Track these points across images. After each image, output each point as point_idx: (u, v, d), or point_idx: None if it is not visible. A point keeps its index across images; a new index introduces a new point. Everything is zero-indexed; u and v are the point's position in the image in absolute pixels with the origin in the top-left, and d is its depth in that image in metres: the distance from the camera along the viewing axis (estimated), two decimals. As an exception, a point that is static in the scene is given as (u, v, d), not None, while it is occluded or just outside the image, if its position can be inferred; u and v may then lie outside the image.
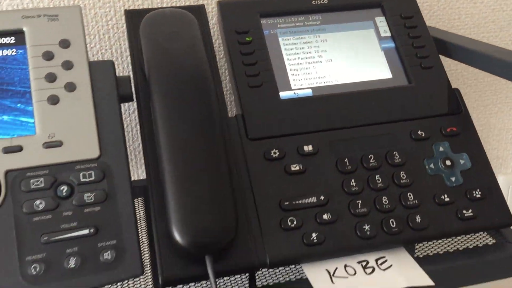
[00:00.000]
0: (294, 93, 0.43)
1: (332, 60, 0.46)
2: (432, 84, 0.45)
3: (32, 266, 0.33)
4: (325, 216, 0.38)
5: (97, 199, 0.36)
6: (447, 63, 0.64)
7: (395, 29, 0.47)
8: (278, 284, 0.37)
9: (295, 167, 0.40)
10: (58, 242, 0.34)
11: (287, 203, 0.38)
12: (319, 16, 0.47)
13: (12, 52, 0.38)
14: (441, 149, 0.42)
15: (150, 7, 0.53)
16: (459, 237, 0.42)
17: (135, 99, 0.41)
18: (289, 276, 0.38)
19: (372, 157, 0.41)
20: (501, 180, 0.73)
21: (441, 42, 0.49)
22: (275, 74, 0.43)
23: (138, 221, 0.42)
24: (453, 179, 0.41)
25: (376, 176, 0.40)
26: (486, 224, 0.40)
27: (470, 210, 0.40)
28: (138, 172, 0.60)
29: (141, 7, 0.53)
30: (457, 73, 0.65)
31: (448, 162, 0.42)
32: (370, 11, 0.48)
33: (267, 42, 0.45)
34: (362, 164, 0.41)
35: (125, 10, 0.44)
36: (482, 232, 0.42)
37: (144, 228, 0.44)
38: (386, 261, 0.38)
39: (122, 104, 0.43)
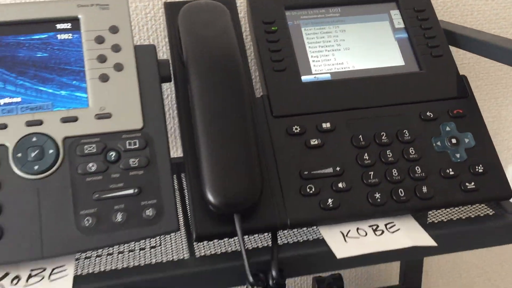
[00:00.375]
0: (315, 77, 0.48)
1: (349, 48, 0.50)
2: (441, 71, 0.49)
3: (85, 219, 0.39)
4: (340, 185, 0.43)
5: (140, 164, 0.41)
6: (460, 57, 0.69)
7: (408, 21, 0.52)
8: (297, 242, 0.42)
9: (314, 142, 0.44)
10: (107, 200, 0.40)
11: (307, 172, 0.43)
12: (338, 9, 0.52)
13: (68, 36, 0.44)
14: (447, 128, 0.47)
15: None
16: (462, 208, 0.46)
17: (173, 80, 0.46)
18: (307, 236, 0.42)
19: (384, 134, 0.45)
20: (511, 170, 0.76)
21: (450, 33, 0.53)
22: (298, 60, 0.48)
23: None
24: (457, 155, 0.45)
25: (387, 151, 0.45)
26: (487, 196, 0.44)
27: (472, 183, 0.44)
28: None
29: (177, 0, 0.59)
30: (469, 66, 0.69)
31: (453, 140, 0.46)
32: (385, 4, 0.53)
33: (290, 32, 0.50)
34: (374, 140, 0.45)
35: (165, 3, 0.50)
36: (483, 204, 0.46)
37: (178, 198, 0.49)
38: (394, 225, 0.42)
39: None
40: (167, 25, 0.48)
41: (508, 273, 0.85)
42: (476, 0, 0.66)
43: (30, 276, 0.38)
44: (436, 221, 0.44)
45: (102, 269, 0.39)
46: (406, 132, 0.46)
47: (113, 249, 0.42)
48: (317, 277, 0.66)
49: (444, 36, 0.51)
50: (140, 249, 0.42)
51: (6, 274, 0.38)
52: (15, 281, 0.37)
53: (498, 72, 0.70)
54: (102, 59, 0.43)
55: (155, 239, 0.43)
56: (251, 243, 0.42)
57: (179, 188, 0.51)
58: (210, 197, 0.39)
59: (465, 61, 0.69)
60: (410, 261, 0.68)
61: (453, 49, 0.52)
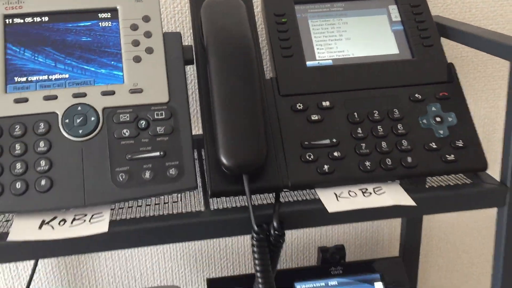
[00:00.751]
0: (318, 62, 0.55)
1: (350, 38, 0.57)
2: (431, 59, 0.56)
3: (119, 175, 0.47)
4: (335, 154, 0.50)
5: (166, 131, 0.49)
6: (459, 50, 0.75)
7: (404, 15, 0.58)
8: (296, 201, 0.49)
9: (314, 117, 0.51)
10: (138, 160, 0.47)
11: (307, 143, 0.50)
12: (342, 4, 0.59)
13: (108, 24, 0.52)
14: (433, 108, 0.53)
15: None
16: (444, 177, 0.52)
17: (195, 63, 0.53)
18: (305, 196, 0.49)
19: (376, 112, 0.52)
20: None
21: (443, 26, 0.59)
22: (304, 47, 0.55)
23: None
24: (441, 131, 0.52)
25: (378, 127, 0.51)
26: (465, 167, 0.51)
27: (452, 156, 0.50)
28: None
29: None
30: (468, 59, 0.75)
31: (438, 119, 0.52)
32: (384, 0, 0.60)
33: (298, 23, 0.57)
34: (368, 117, 0.52)
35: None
36: (462, 174, 0.52)
37: (197, 165, 0.57)
38: (381, 189, 0.49)
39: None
40: (191, 16, 0.56)
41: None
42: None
43: (74, 220, 0.46)
44: (419, 187, 0.51)
45: (132, 217, 0.47)
46: (396, 111, 0.52)
47: (141, 202, 0.50)
48: (321, 247, 0.72)
49: (436, 28, 0.57)
50: (164, 203, 0.50)
51: (55, 218, 0.46)
52: (61, 223, 0.46)
53: (496, 64, 0.76)
54: (136, 43, 0.51)
55: (177, 195, 0.51)
56: (257, 201, 0.49)
57: (198, 158, 0.59)
58: (224, 160, 0.46)
59: (463, 54, 0.75)
60: (409, 235, 0.74)
61: (450, 42, 0.58)
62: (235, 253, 0.78)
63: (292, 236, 0.78)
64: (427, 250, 0.85)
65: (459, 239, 0.86)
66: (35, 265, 0.68)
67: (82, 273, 0.76)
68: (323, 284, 0.70)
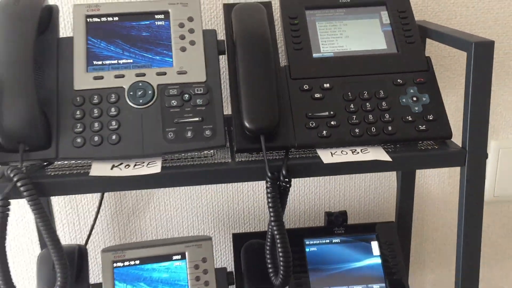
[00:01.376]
0: (322, 54, 0.70)
1: (348, 36, 0.72)
2: (412, 53, 0.70)
3: (169, 134, 0.63)
4: (332, 123, 0.65)
5: (203, 103, 0.64)
6: (447, 51, 0.88)
7: (393, 19, 0.73)
8: (300, 157, 0.64)
9: (317, 95, 0.67)
10: (182, 123, 0.63)
11: (310, 114, 0.65)
12: (343, 10, 0.74)
13: (162, 23, 0.68)
14: (411, 91, 0.67)
15: (237, 2, 0.82)
16: (418, 143, 0.66)
17: (226, 53, 0.69)
18: (307, 155, 0.64)
19: (366, 92, 0.67)
20: (492, 145, 0.95)
21: (423, 28, 0.74)
22: (311, 43, 0.71)
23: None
24: (416, 108, 0.66)
25: (367, 103, 0.66)
26: (434, 136, 0.65)
27: (424, 126, 0.65)
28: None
29: (231, 2, 0.82)
30: (455, 59, 0.89)
31: (414, 98, 0.67)
32: (377, 7, 0.74)
33: (308, 24, 0.72)
34: (358, 96, 0.67)
35: (224, 4, 0.73)
36: (432, 141, 0.66)
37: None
38: (367, 150, 0.64)
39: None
40: (224, 18, 0.72)
41: (494, 229, 1.02)
42: (459, 7, 0.86)
43: (135, 165, 0.62)
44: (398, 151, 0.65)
45: (177, 164, 0.63)
46: (381, 92, 0.67)
47: (185, 155, 0.66)
48: (327, 212, 0.87)
49: (417, 29, 0.72)
50: (200, 157, 0.66)
51: (121, 163, 0.62)
52: (126, 167, 0.62)
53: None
54: (182, 37, 0.67)
55: (211, 152, 0.66)
56: (271, 157, 0.65)
57: (227, 131, 0.74)
58: (246, 124, 0.62)
59: (451, 54, 0.88)
60: (403, 203, 0.88)
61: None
62: (256, 212, 0.93)
63: (303, 202, 0.93)
64: (422, 223, 0.98)
65: (451, 216, 0.99)
66: (97, 215, 0.84)
67: (131, 231, 0.92)
68: (328, 241, 0.84)
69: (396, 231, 0.86)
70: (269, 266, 0.67)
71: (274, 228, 0.62)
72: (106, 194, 0.88)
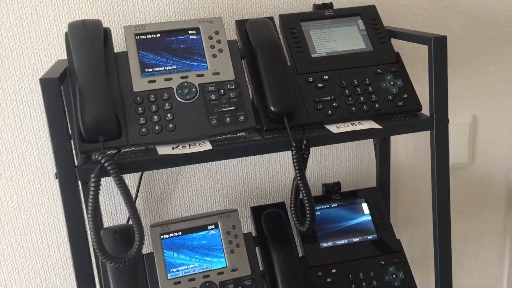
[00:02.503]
0: (318, 54, 0.91)
1: (336, 40, 0.93)
2: (385, 49, 0.92)
3: (212, 120, 0.81)
4: (334, 104, 0.85)
5: (235, 95, 0.83)
6: (416, 49, 1.11)
7: (367, 25, 0.95)
8: (315, 130, 0.83)
9: (320, 85, 0.87)
10: (221, 112, 0.82)
11: (317, 99, 0.85)
12: (329, 20, 0.95)
13: (195, 36, 0.87)
14: (389, 77, 0.89)
15: (246, 17, 1.00)
16: (398, 115, 0.87)
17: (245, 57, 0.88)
18: (318, 130, 0.84)
19: (355, 81, 0.88)
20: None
21: (390, 31, 0.96)
22: (309, 46, 0.91)
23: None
24: (394, 90, 0.88)
25: (357, 88, 0.87)
26: (409, 109, 0.87)
27: (401, 102, 0.86)
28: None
29: (241, 18, 1.00)
30: (413, 53, 1.12)
31: (391, 83, 0.88)
32: (354, 17, 0.96)
33: (304, 33, 0.93)
34: (350, 83, 0.88)
35: (236, 20, 0.93)
36: (408, 113, 0.88)
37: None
38: (362, 122, 0.85)
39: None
40: (237, 31, 0.91)
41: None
42: (412, 15, 1.10)
43: (190, 145, 0.80)
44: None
45: (221, 143, 0.81)
46: (367, 79, 0.88)
47: (225, 136, 0.84)
48: (325, 183, 1.07)
49: (386, 32, 0.94)
50: (240, 136, 0.84)
51: (178, 145, 0.80)
52: (183, 147, 0.79)
53: (459, 55, 1.13)
54: (212, 47, 0.86)
55: (244, 133, 0.85)
56: (293, 133, 0.84)
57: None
58: (272, 108, 0.81)
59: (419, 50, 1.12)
60: (382, 173, 1.09)
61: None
62: (266, 189, 1.12)
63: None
64: (398, 190, 1.20)
65: (421, 183, 1.21)
66: (136, 195, 1.00)
67: (163, 211, 1.08)
68: (327, 206, 1.04)
69: (380, 194, 1.07)
70: (294, 218, 0.86)
71: (300, 184, 0.81)
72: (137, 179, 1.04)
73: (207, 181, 1.10)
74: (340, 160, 1.15)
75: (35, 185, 1.01)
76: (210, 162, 1.08)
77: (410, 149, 1.19)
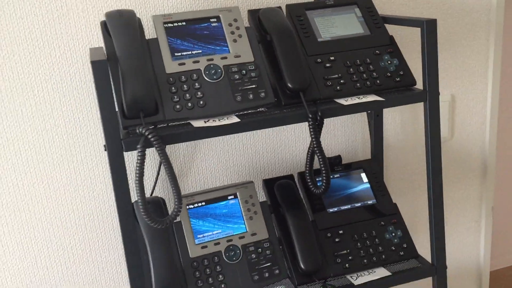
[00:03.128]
0: (323, 38, 1.03)
1: (337, 26, 1.05)
2: (381, 33, 1.05)
3: (237, 97, 0.91)
4: (341, 81, 0.97)
5: (256, 75, 0.94)
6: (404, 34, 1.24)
7: (363, 13, 1.07)
8: (326, 104, 0.95)
9: (327, 65, 0.99)
10: (244, 89, 0.92)
11: (326, 77, 0.97)
12: (330, 9, 1.07)
13: (216, 24, 0.97)
14: (386, 57, 1.02)
15: (256, 7, 1.10)
16: (395, 90, 1.00)
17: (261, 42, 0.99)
18: (329, 103, 0.96)
19: (358, 60, 1.00)
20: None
21: (384, 17, 1.09)
22: (314, 31, 1.03)
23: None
24: (391, 68, 1.00)
25: (360, 67, 0.99)
26: (405, 84, 0.99)
27: (399, 78, 0.99)
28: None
29: (251, 8, 1.10)
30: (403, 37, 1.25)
31: (389, 62, 1.01)
32: (352, 6, 1.08)
33: (309, 20, 1.04)
34: (353, 63, 1.00)
35: (248, 10, 1.03)
36: (404, 88, 1.01)
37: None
38: (366, 96, 0.97)
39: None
40: (249, 19, 1.02)
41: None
42: (399, 5, 1.23)
43: (219, 119, 0.89)
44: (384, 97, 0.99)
45: (246, 117, 0.91)
46: (367, 59, 1.01)
47: (249, 111, 0.94)
48: (328, 157, 1.18)
49: (381, 18, 1.07)
50: (261, 111, 0.95)
51: (209, 120, 0.89)
52: (214, 121, 0.89)
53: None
54: (232, 32, 0.96)
55: (264, 108, 0.95)
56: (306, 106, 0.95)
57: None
58: (290, 85, 0.92)
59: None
60: (376, 146, 1.22)
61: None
62: (275, 163, 1.23)
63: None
64: (390, 163, 1.33)
65: (411, 160, 1.35)
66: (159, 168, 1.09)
67: (184, 184, 1.17)
68: (331, 176, 1.16)
69: (375, 164, 1.20)
70: (310, 182, 0.98)
71: (316, 150, 0.93)
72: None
73: (220, 158, 1.20)
74: (337, 137, 1.27)
75: (86, 157, 1.11)
76: (223, 140, 1.18)
77: (398, 126, 1.32)
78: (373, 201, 1.15)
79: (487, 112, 1.39)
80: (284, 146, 1.23)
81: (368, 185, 1.16)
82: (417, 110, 1.31)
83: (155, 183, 1.11)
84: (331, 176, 1.16)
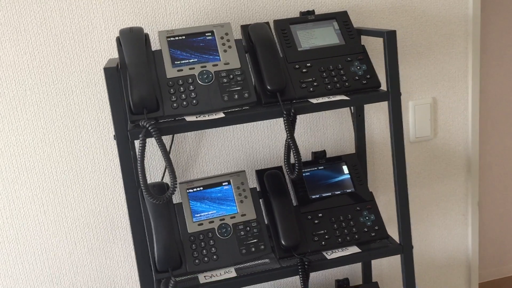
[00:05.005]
0: (303, 48, 1.21)
1: (317, 37, 1.23)
2: (353, 43, 1.22)
3: (224, 97, 1.10)
4: (315, 84, 1.14)
5: (241, 79, 1.13)
6: (369, 43, 1.41)
7: (340, 25, 1.25)
8: (300, 104, 1.13)
9: (304, 70, 1.16)
10: (231, 91, 1.11)
11: (301, 80, 1.15)
12: (312, 23, 1.25)
13: (210, 37, 1.17)
14: (356, 63, 1.18)
15: (249, 22, 1.29)
16: (363, 91, 1.16)
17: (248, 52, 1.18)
18: (302, 102, 1.14)
19: (331, 66, 1.17)
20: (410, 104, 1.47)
21: (358, 29, 1.25)
22: (296, 42, 1.21)
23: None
24: (360, 73, 1.17)
25: (332, 72, 1.16)
26: (371, 86, 1.16)
27: (366, 81, 1.16)
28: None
29: (244, 23, 1.30)
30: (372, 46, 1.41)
31: (358, 67, 1.18)
32: (331, 20, 1.26)
33: (292, 33, 1.22)
34: (327, 68, 1.17)
35: (241, 25, 1.23)
36: (369, 90, 1.17)
37: (250, 103, 1.21)
38: (335, 97, 1.14)
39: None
40: (242, 32, 1.21)
41: (414, 160, 1.54)
42: (384, 19, 1.39)
43: (208, 115, 1.09)
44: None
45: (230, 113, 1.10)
46: (339, 65, 1.18)
47: (234, 109, 1.13)
48: (314, 152, 1.35)
49: (356, 30, 1.24)
50: (245, 108, 1.13)
51: (200, 116, 1.09)
52: (204, 116, 1.08)
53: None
54: (223, 44, 1.16)
55: (248, 107, 1.14)
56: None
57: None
58: (268, 87, 1.11)
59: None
60: (359, 141, 1.38)
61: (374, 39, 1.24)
62: (266, 155, 1.41)
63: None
64: (376, 158, 1.49)
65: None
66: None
67: (188, 172, 1.37)
68: (316, 168, 1.33)
69: (357, 159, 1.36)
70: (286, 167, 1.15)
71: (290, 141, 1.10)
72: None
73: (220, 151, 1.39)
74: (326, 134, 1.44)
75: (95, 146, 1.33)
76: (223, 136, 1.38)
77: (383, 125, 1.47)
78: (352, 189, 1.31)
79: (468, 112, 1.53)
80: (277, 141, 1.42)
81: (348, 176, 1.32)
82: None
83: (165, 170, 1.31)
84: (315, 168, 1.33)
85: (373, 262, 1.49)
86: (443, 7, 1.44)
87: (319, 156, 1.35)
